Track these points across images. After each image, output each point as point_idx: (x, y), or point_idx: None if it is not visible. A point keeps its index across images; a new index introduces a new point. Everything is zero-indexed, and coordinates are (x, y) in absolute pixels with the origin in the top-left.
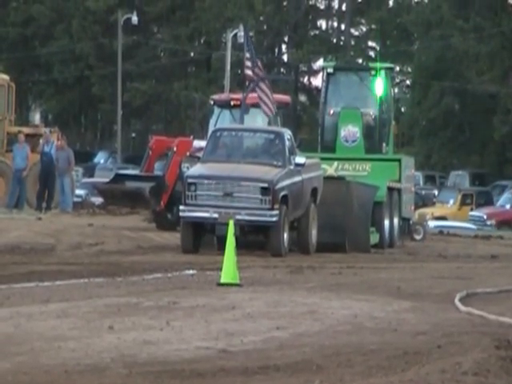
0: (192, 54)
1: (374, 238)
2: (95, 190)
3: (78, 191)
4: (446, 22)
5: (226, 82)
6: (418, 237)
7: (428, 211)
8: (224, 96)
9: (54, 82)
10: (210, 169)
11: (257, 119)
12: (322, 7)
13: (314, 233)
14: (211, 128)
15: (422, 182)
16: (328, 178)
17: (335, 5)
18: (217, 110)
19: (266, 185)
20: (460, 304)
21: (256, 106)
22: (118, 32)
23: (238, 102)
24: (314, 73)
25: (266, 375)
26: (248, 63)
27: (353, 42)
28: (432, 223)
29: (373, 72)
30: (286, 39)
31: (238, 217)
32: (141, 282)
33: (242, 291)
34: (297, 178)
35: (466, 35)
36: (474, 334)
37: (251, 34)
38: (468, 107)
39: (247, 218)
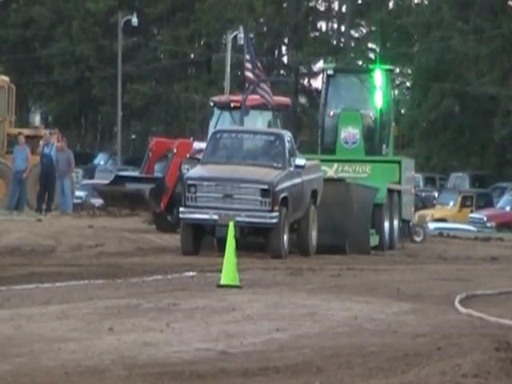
0: (192, 56)
1: (374, 240)
2: (95, 191)
3: (78, 193)
4: (446, 24)
5: (226, 84)
6: (417, 239)
7: (428, 213)
8: (224, 98)
9: (54, 84)
10: (210, 170)
11: (257, 121)
12: (322, 9)
13: (313, 234)
14: (211, 130)
15: (422, 184)
16: (328, 180)
17: (335, 6)
18: (217, 112)
19: (266, 187)
20: (460, 306)
21: (256, 107)
22: (118, 33)
23: (238, 104)
24: (314, 75)
25: (266, 377)
26: (248, 65)
27: (353, 44)
28: (432, 225)
29: (372, 74)
30: (286, 41)
31: (238, 218)
32: (141, 283)
33: (242, 293)
34: (297, 180)
35: (466, 37)
36: (473, 335)
37: (251, 35)
38: (468, 109)
39: (247, 219)
